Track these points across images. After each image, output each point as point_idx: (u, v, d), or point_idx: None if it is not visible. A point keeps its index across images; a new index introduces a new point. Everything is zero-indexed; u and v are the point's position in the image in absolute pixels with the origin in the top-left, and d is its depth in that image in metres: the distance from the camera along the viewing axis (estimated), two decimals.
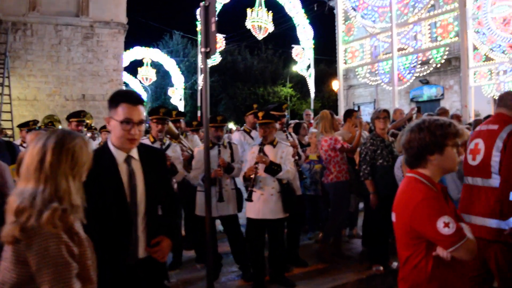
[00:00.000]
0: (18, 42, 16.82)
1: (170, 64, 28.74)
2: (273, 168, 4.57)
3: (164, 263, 2.61)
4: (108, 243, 2.30)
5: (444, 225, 1.99)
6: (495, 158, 3.16)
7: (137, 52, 27.05)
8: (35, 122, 6.82)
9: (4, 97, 14.89)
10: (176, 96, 29.43)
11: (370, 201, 5.19)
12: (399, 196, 2.25)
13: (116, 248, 2.35)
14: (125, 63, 24.35)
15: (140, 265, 2.45)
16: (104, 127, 8.18)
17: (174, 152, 4.82)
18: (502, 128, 3.20)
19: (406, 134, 2.22)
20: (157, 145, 4.66)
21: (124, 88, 24.32)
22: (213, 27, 4.24)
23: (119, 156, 2.42)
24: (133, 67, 29.18)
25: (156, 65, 29.93)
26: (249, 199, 4.51)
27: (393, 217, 2.26)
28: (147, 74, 29.19)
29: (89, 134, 7.68)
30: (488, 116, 4.89)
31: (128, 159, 2.43)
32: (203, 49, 4.26)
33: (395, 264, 5.19)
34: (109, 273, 2.26)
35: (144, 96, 34.96)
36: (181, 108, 28.56)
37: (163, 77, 34.49)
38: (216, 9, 14.04)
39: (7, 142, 5.24)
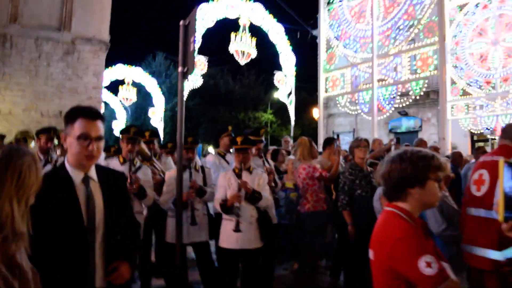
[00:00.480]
0: None
1: (151, 85, 28.52)
2: (255, 196, 4.40)
3: None
4: (62, 272, 2.09)
5: (426, 265, 1.84)
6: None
7: (119, 70, 26.76)
8: (1, 136, 6.54)
9: None
10: (156, 117, 29.14)
11: (346, 232, 5.05)
12: (377, 232, 2.10)
13: (71, 277, 2.13)
14: (106, 81, 24.10)
15: None
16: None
17: (145, 175, 4.58)
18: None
19: (387, 164, 2.10)
20: (126, 166, 4.41)
21: (103, 107, 24.01)
22: (192, 47, 4.12)
23: (76, 176, 2.24)
24: (114, 86, 28.88)
25: (137, 85, 29.69)
26: (238, 229, 4.28)
27: (371, 255, 2.11)
28: (128, 94, 28.89)
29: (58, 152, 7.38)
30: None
31: (86, 180, 2.25)
32: (180, 69, 4.12)
33: None
34: None
35: (124, 116, 34.58)
36: (161, 129, 28.26)
37: (144, 98, 34.16)
38: (200, 32, 14.05)
39: None
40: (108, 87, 27.88)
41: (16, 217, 1.55)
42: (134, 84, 28.79)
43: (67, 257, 2.12)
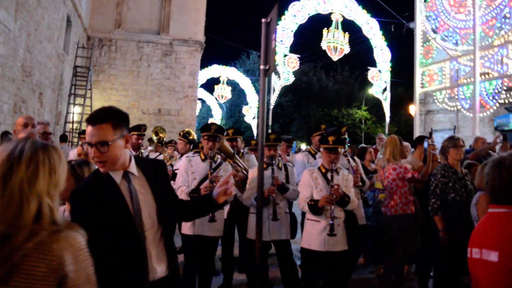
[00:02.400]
0: (103, 57, 17.90)
1: (245, 83, 29.18)
2: (344, 200, 4.27)
3: (180, 283, 2.46)
4: (120, 267, 2.16)
5: None
6: None
7: (215, 70, 27.76)
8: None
9: (86, 108, 15.78)
10: (250, 115, 29.77)
11: (434, 238, 4.70)
12: (498, 232, 1.95)
13: (130, 271, 2.19)
14: (202, 80, 25.10)
15: (159, 285, 2.27)
16: (170, 142, 8.29)
17: (225, 171, 4.62)
18: None
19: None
20: (207, 163, 4.52)
21: (199, 104, 25.01)
22: (273, 44, 4.08)
23: (116, 175, 2.25)
24: (210, 84, 30.00)
25: (232, 83, 30.52)
26: (333, 233, 4.17)
27: (491, 256, 1.93)
28: (223, 92, 29.86)
29: (150, 148, 7.80)
30: None
31: (126, 176, 2.27)
32: (262, 67, 4.09)
33: None
34: None
35: (219, 113, 35.77)
36: (254, 126, 28.80)
37: (239, 95, 35.04)
38: (292, 29, 14.07)
39: None
40: (204, 86, 29.06)
41: (54, 209, 1.54)
42: (229, 82, 29.66)
43: (121, 251, 2.18)
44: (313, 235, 4.31)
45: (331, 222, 4.15)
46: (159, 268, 2.28)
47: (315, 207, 4.23)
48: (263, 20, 4.20)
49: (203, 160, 4.64)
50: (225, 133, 5.35)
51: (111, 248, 2.14)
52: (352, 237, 4.50)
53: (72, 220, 2.18)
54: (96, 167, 2.28)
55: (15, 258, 1.39)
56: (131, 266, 2.19)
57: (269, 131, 20.42)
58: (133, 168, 2.30)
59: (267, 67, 4.14)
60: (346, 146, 5.61)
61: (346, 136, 5.58)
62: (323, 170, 4.44)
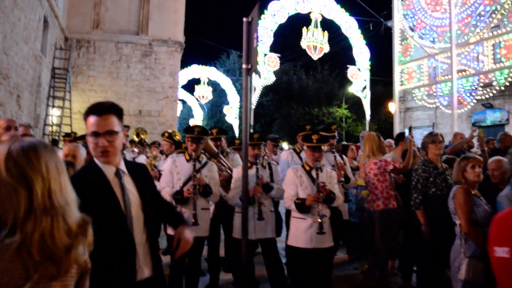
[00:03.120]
0: (81, 58, 17.66)
1: (226, 83, 29.16)
2: (330, 197, 4.31)
3: (165, 285, 2.50)
4: (109, 263, 2.15)
5: None
6: None
7: (195, 70, 27.66)
8: (76, 134, 7.01)
9: (65, 111, 15.56)
10: (231, 114, 29.75)
11: (416, 232, 4.79)
12: None
13: (118, 269, 2.19)
14: (183, 80, 24.97)
15: (144, 285, 2.27)
16: (154, 143, 8.23)
17: (210, 171, 4.64)
18: None
19: None
20: (191, 163, 4.51)
21: (180, 105, 24.87)
22: (255, 43, 4.09)
23: (108, 170, 2.26)
24: (191, 85, 29.87)
25: (213, 83, 30.45)
26: (322, 231, 4.18)
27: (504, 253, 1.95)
28: (204, 92, 29.74)
29: (136, 149, 7.75)
30: None
31: (118, 173, 2.28)
32: (244, 66, 4.10)
33: None
34: None
35: (201, 113, 35.64)
36: (236, 126, 28.79)
37: (219, 95, 34.99)
38: (271, 29, 14.06)
39: None
40: (185, 87, 28.92)
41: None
42: (210, 82, 29.58)
43: (112, 247, 2.17)
44: (299, 233, 4.34)
45: (319, 220, 4.17)
46: (145, 269, 2.28)
47: (303, 206, 4.26)
48: (244, 19, 4.20)
49: (187, 161, 4.63)
50: (209, 133, 5.35)
51: (100, 244, 2.13)
52: (339, 233, 4.54)
53: None
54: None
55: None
56: (120, 264, 2.19)
57: (251, 130, 20.43)
58: (123, 166, 2.33)
59: (249, 66, 4.14)
60: (335, 142, 5.66)
61: (336, 134, 5.62)
62: (307, 168, 4.47)
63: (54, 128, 15.58)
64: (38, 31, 14.05)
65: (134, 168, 2.44)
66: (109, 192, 2.22)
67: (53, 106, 15.80)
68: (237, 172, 4.76)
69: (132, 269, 2.22)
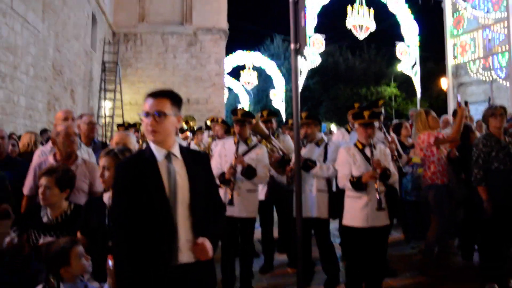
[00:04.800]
0: (129, 51, 18.13)
1: (271, 67, 29.03)
2: (386, 174, 4.21)
3: (213, 270, 2.45)
4: (148, 245, 2.22)
5: None
6: None
7: (239, 57, 27.68)
8: (130, 124, 7.23)
9: (117, 102, 16.07)
10: (278, 99, 29.65)
11: (477, 209, 4.60)
12: None
13: (158, 248, 2.23)
14: (228, 67, 25.08)
15: (184, 270, 2.27)
16: (200, 129, 8.34)
17: (258, 154, 4.65)
18: None
19: None
20: (240, 145, 4.57)
21: (226, 92, 25.04)
22: (303, 22, 4.03)
23: (159, 153, 2.32)
24: (236, 71, 29.98)
25: (257, 69, 30.41)
26: (381, 207, 4.11)
27: None
28: (249, 78, 29.77)
29: (189, 135, 7.88)
30: None
31: (168, 156, 2.33)
32: (292, 46, 4.05)
33: None
34: (151, 276, 2.21)
35: (247, 99, 35.77)
36: (283, 110, 28.70)
37: (265, 80, 34.90)
38: (315, 10, 13.86)
39: (102, 143, 5.53)
40: (230, 73, 29.09)
41: None
42: (255, 68, 29.56)
43: (152, 227, 2.24)
44: (355, 212, 4.26)
45: (378, 197, 4.10)
46: (187, 253, 2.28)
47: (359, 184, 4.18)
48: None
49: (236, 143, 4.67)
50: (260, 115, 5.36)
51: (144, 223, 2.21)
52: (396, 211, 4.44)
53: (113, 191, 2.38)
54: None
55: None
56: (158, 245, 2.22)
57: None
58: (176, 150, 2.37)
59: (298, 45, 4.10)
60: (383, 119, 5.53)
61: (382, 110, 5.48)
62: (360, 146, 4.38)
63: (107, 119, 16.13)
64: (87, 27, 14.53)
65: (192, 155, 2.48)
66: (155, 174, 2.27)
67: (105, 99, 16.36)
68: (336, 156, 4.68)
69: (169, 252, 2.24)
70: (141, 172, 2.26)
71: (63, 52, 11.91)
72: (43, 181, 3.07)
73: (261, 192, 5.31)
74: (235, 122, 4.69)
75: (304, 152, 4.75)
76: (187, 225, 2.30)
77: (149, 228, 2.23)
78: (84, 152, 4.44)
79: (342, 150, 4.46)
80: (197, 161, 2.44)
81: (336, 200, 4.73)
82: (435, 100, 32.32)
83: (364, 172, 4.20)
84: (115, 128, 15.07)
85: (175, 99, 2.36)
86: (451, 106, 13.99)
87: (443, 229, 5.10)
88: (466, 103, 6.88)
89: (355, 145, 4.44)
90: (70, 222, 3.09)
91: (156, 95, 2.32)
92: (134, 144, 4.14)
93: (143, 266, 2.21)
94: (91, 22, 14.96)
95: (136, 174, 2.25)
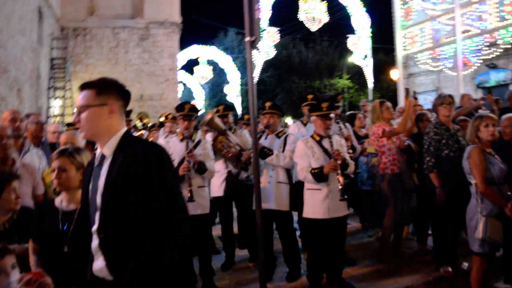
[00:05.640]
0: (79, 47, 17.53)
1: (225, 61, 28.85)
2: (345, 163, 4.33)
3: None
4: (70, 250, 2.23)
5: None
6: None
7: (194, 51, 27.33)
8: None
9: (67, 101, 15.51)
10: (233, 93, 29.54)
11: (429, 195, 4.77)
12: None
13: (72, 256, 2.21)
14: (182, 62, 24.73)
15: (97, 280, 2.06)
16: (153, 126, 8.17)
17: (204, 149, 4.63)
18: None
19: None
20: (184, 143, 4.49)
21: (180, 87, 24.71)
22: (257, 15, 4.00)
23: (97, 154, 2.15)
24: (189, 66, 29.63)
25: (212, 63, 30.17)
26: (344, 198, 4.21)
27: None
28: (204, 72, 29.49)
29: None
30: None
31: (102, 157, 2.11)
32: (247, 38, 4.02)
33: (465, 264, 4.73)
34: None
35: (202, 94, 35.44)
36: (238, 104, 28.64)
37: (219, 75, 34.67)
38: (269, 2, 13.83)
39: (51, 144, 5.31)
40: (184, 68, 28.70)
41: None
42: (209, 62, 29.31)
43: (74, 234, 2.24)
44: (316, 204, 4.32)
45: (340, 187, 4.17)
46: (97, 264, 2.04)
47: (321, 175, 4.23)
48: None
49: (181, 140, 4.61)
50: (215, 110, 5.30)
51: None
52: (354, 201, 4.53)
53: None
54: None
55: None
56: (75, 251, 2.18)
57: None
58: (107, 148, 2.08)
59: (253, 38, 4.07)
60: (339, 112, 5.62)
61: (341, 104, 5.57)
62: (317, 138, 4.43)
63: (57, 119, 15.55)
64: (33, 22, 13.90)
65: (128, 154, 2.02)
66: (87, 176, 2.17)
67: (55, 97, 15.74)
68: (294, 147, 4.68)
69: (85, 261, 2.10)
70: (84, 176, 2.21)
71: (8, 49, 11.34)
72: None
73: (220, 188, 5.28)
74: (183, 117, 4.61)
75: (264, 143, 4.76)
76: (99, 238, 2.02)
77: (72, 235, 2.24)
78: (34, 154, 4.25)
79: (300, 143, 4.49)
80: (130, 163, 1.98)
81: (296, 193, 4.76)
82: (386, 91, 33.20)
83: (323, 164, 4.25)
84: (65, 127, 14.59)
85: (101, 87, 2.10)
86: (401, 96, 14.39)
87: (396, 217, 5.25)
88: (414, 93, 7.09)
89: (312, 137, 4.48)
90: (17, 227, 2.92)
91: (81, 88, 2.13)
92: (81, 143, 3.99)
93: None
94: (37, 17, 14.31)
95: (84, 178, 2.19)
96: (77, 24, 17.58)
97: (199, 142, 4.68)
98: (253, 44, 4.08)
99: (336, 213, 4.30)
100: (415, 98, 6.81)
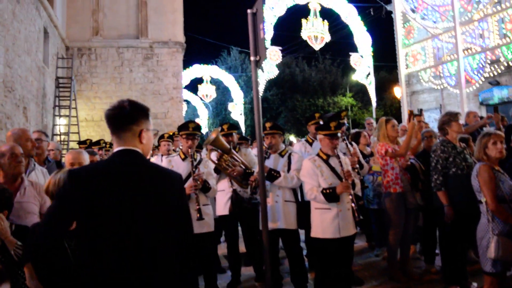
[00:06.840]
0: (83, 66, 17.65)
1: (229, 80, 29.01)
2: (354, 183, 4.32)
3: None
4: None
5: None
6: None
7: (197, 70, 27.52)
8: (92, 141, 6.97)
9: (72, 119, 15.56)
10: (236, 111, 29.62)
11: (437, 214, 4.71)
12: None
13: None
14: (186, 81, 24.88)
15: None
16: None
17: (206, 168, 4.64)
18: None
19: None
20: (187, 161, 4.48)
21: (184, 106, 24.79)
22: (262, 34, 4.02)
23: None
24: (194, 85, 29.79)
25: (215, 82, 30.33)
26: (359, 217, 4.20)
27: None
28: (207, 91, 29.61)
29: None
30: None
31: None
32: (252, 58, 4.03)
33: (474, 285, 4.64)
34: None
35: (206, 112, 35.57)
36: (242, 123, 28.70)
37: (223, 93, 34.86)
38: (271, 22, 13.93)
39: (57, 162, 5.32)
40: (188, 87, 28.83)
41: None
42: (213, 81, 29.47)
43: None
44: (326, 224, 4.24)
45: (355, 207, 4.17)
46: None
47: (333, 195, 4.19)
48: (249, 11, 4.13)
49: (183, 160, 4.60)
50: (220, 129, 5.30)
51: None
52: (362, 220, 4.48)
53: None
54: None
55: None
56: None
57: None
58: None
59: (258, 57, 4.08)
60: (345, 130, 5.60)
61: (345, 121, 5.55)
62: (324, 157, 4.39)
63: (62, 137, 15.58)
64: (39, 42, 14.04)
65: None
66: None
67: (60, 116, 15.80)
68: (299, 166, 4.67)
69: None
70: None
71: (14, 68, 11.43)
72: None
73: (225, 206, 5.24)
74: (186, 136, 4.60)
75: (268, 163, 4.74)
76: None
77: None
78: (39, 173, 4.24)
79: (307, 162, 4.44)
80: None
81: (303, 211, 4.73)
82: (389, 108, 33.27)
83: (332, 183, 4.21)
84: (71, 145, 14.57)
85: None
86: (405, 113, 14.38)
87: (399, 236, 5.19)
88: (421, 111, 7.06)
89: (319, 155, 4.45)
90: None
91: None
92: (87, 161, 3.99)
93: None
94: (42, 36, 14.46)
95: None
96: (82, 44, 17.75)
97: (200, 161, 4.67)
98: (258, 64, 4.10)
99: (345, 232, 4.25)
100: (420, 115, 6.80)
